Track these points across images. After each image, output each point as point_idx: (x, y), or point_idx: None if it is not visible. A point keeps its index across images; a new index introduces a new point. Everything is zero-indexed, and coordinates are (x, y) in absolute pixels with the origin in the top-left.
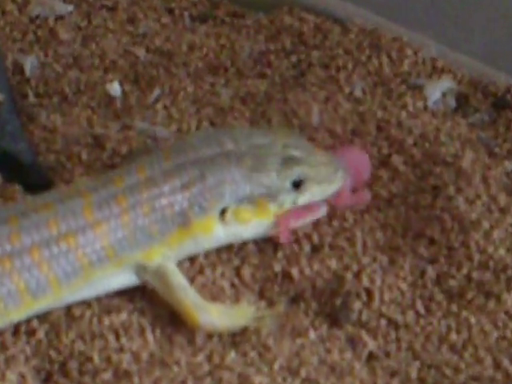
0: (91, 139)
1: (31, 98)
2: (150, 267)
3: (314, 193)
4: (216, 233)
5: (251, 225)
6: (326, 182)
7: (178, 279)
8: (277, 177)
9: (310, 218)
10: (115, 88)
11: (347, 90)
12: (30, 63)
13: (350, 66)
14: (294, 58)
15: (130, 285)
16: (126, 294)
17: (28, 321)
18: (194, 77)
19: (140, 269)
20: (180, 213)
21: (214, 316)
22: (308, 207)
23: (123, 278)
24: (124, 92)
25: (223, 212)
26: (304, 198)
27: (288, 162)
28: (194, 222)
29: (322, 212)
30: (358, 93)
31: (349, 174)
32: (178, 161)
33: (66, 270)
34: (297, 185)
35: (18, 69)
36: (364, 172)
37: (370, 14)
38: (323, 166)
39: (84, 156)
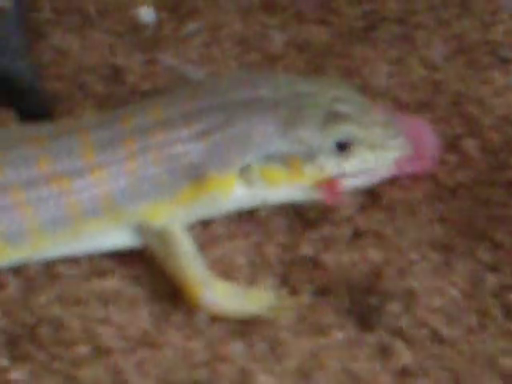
0: (110, 70)
1: (46, 13)
2: (154, 227)
3: (364, 159)
4: (236, 193)
5: (282, 188)
6: (381, 147)
7: (186, 245)
8: (317, 133)
9: (361, 181)
10: (148, 14)
11: (424, 52)
12: None
13: (431, 24)
14: (366, 7)
15: (127, 246)
16: (123, 257)
17: None
18: (244, 13)
19: (141, 227)
20: (195, 165)
21: (221, 295)
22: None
23: (120, 237)
24: (158, 20)
25: (247, 169)
26: (351, 165)
27: (334, 117)
28: (210, 178)
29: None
30: (436, 58)
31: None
32: (202, 103)
33: (54, 218)
34: (342, 146)
35: None
36: (426, 154)
37: None
38: (379, 128)
39: (99, 88)
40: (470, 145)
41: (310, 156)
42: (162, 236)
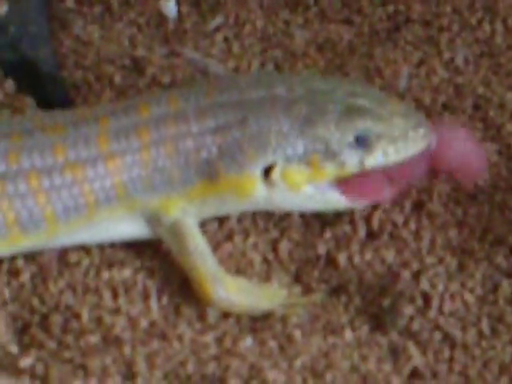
0: (130, 61)
1: (69, 3)
2: (166, 220)
3: (388, 152)
4: (255, 195)
5: (305, 191)
6: (404, 138)
7: (196, 240)
8: (336, 129)
9: (371, 198)
10: (170, 7)
11: (447, 55)
12: None
13: (455, 27)
14: (390, 8)
15: (139, 236)
16: (135, 248)
17: (12, 259)
18: (267, 10)
19: (153, 219)
20: (207, 161)
21: (233, 291)
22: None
23: (132, 227)
24: (180, 13)
25: (267, 171)
26: (373, 159)
27: (352, 111)
28: (223, 177)
29: (387, 194)
30: (459, 61)
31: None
32: (219, 99)
33: (67, 206)
34: (362, 141)
35: None
36: (473, 164)
37: None
38: (399, 119)
39: (117, 79)
40: (490, 150)
41: (329, 153)
42: (174, 230)
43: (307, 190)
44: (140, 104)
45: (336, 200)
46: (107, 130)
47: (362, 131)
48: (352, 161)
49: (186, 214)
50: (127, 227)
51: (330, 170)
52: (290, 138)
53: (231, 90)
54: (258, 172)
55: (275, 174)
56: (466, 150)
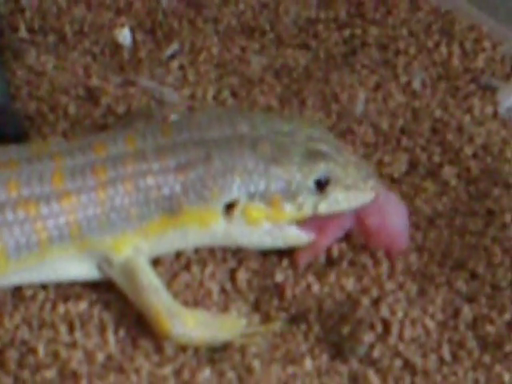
0: (84, 91)
1: (22, 33)
2: (117, 260)
3: (338, 199)
4: (214, 229)
5: (261, 228)
6: (355, 188)
7: (149, 278)
8: (298, 171)
9: (337, 231)
10: (125, 35)
11: (404, 79)
12: None
13: (412, 51)
14: (346, 33)
15: (89, 278)
16: (91, 281)
17: None
18: (222, 36)
19: (104, 260)
20: (168, 197)
21: (191, 326)
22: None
23: (83, 268)
24: (135, 41)
25: (229, 206)
26: (327, 204)
27: (313, 155)
28: (185, 210)
29: (350, 223)
30: (416, 84)
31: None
32: (178, 138)
33: (19, 242)
34: (321, 185)
35: None
36: (396, 233)
37: None
38: (353, 168)
39: (72, 109)
40: (449, 173)
41: (290, 194)
42: (125, 270)
43: (265, 225)
44: (96, 142)
45: (295, 236)
46: (62, 167)
47: (323, 175)
48: (309, 203)
49: (138, 252)
50: (78, 268)
51: (288, 211)
52: (255, 176)
53: (191, 129)
54: (220, 207)
55: (237, 210)
56: (392, 222)
